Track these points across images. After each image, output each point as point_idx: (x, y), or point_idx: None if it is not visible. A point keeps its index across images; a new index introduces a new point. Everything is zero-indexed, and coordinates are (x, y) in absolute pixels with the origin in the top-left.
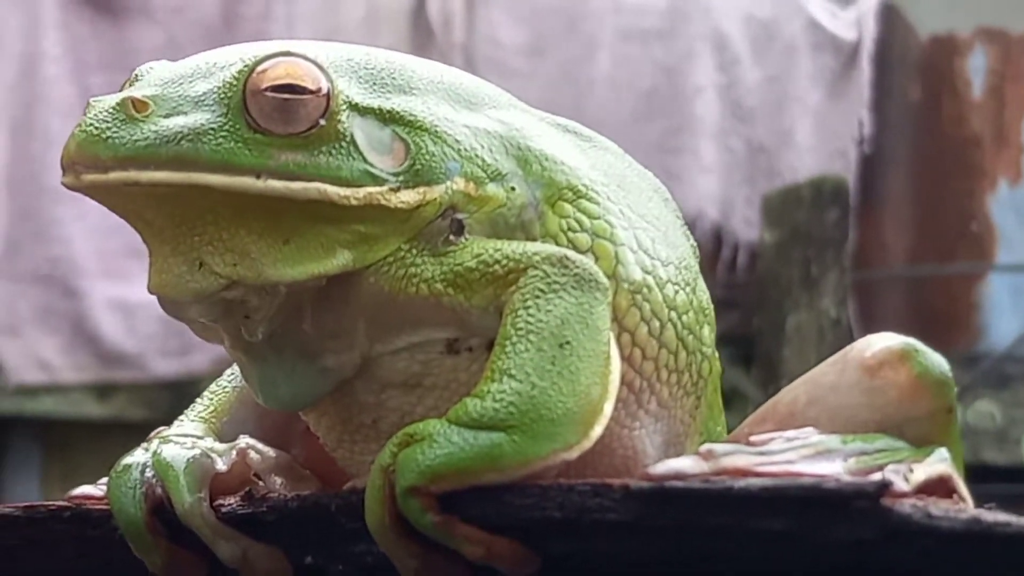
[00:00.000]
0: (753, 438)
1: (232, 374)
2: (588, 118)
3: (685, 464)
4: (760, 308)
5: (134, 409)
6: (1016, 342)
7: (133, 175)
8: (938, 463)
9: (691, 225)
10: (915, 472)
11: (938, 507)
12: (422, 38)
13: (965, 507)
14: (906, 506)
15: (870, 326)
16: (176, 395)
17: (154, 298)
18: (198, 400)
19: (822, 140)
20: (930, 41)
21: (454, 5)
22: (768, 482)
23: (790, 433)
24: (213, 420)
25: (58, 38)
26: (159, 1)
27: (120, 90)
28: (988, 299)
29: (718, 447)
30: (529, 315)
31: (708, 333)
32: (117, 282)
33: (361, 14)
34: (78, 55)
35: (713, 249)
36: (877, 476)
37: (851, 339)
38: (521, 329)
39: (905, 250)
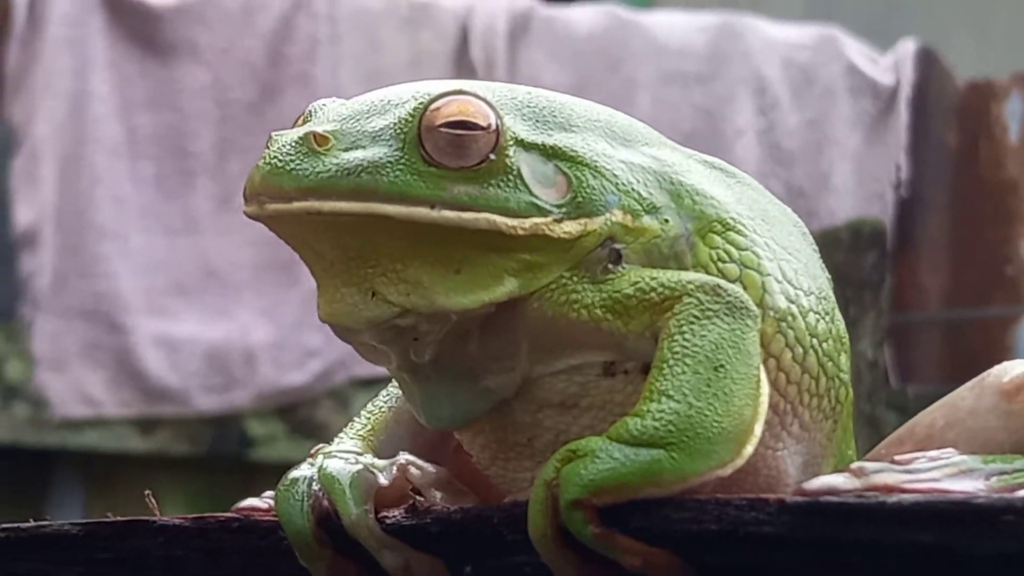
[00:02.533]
0: (898, 457)
1: (387, 395)
2: None
3: (838, 480)
4: None
5: (177, 444)
6: None
7: (316, 205)
8: None
9: None
10: None
11: None
12: (465, 79)
13: None
14: None
15: (906, 368)
16: (218, 430)
17: (197, 334)
18: (355, 419)
19: (860, 184)
20: (967, 87)
21: (497, 47)
22: (919, 498)
23: (933, 453)
24: (371, 438)
25: (106, 77)
26: (206, 41)
27: (293, 126)
28: (1023, 342)
29: (868, 465)
30: (685, 340)
31: (845, 360)
32: (161, 318)
33: (405, 55)
34: (125, 94)
35: None
36: (1022, 493)
37: (887, 381)
38: (678, 353)
39: (941, 293)
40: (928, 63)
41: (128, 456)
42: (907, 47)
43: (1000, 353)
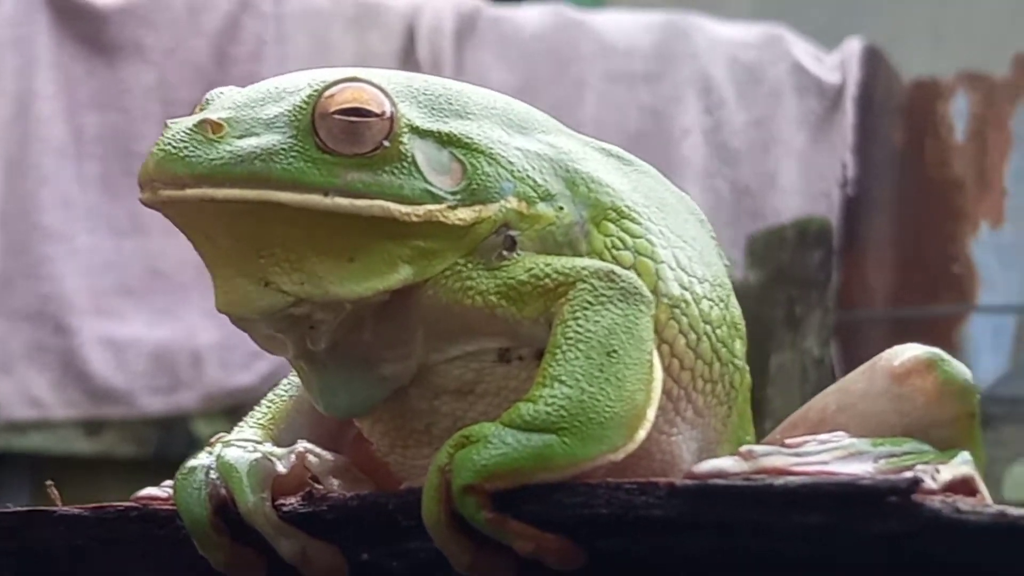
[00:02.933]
0: (788, 441)
1: (288, 384)
2: None
3: (727, 463)
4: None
5: (123, 445)
6: (997, 382)
7: (209, 192)
8: (962, 465)
9: None
10: (941, 472)
11: (965, 503)
12: None
13: (989, 503)
14: (936, 502)
15: (853, 366)
16: (165, 432)
17: (143, 335)
18: (256, 408)
19: (806, 182)
20: (913, 85)
21: (443, 47)
22: (807, 480)
23: (823, 436)
24: (271, 427)
25: (51, 77)
26: (152, 42)
27: (191, 113)
28: (970, 340)
29: (757, 448)
30: (578, 325)
31: (740, 347)
32: (108, 319)
33: (352, 55)
34: (71, 95)
35: None
36: (908, 475)
37: (833, 379)
38: (571, 338)
39: (888, 291)
40: (874, 62)
41: (74, 458)
42: (853, 46)
43: (947, 350)
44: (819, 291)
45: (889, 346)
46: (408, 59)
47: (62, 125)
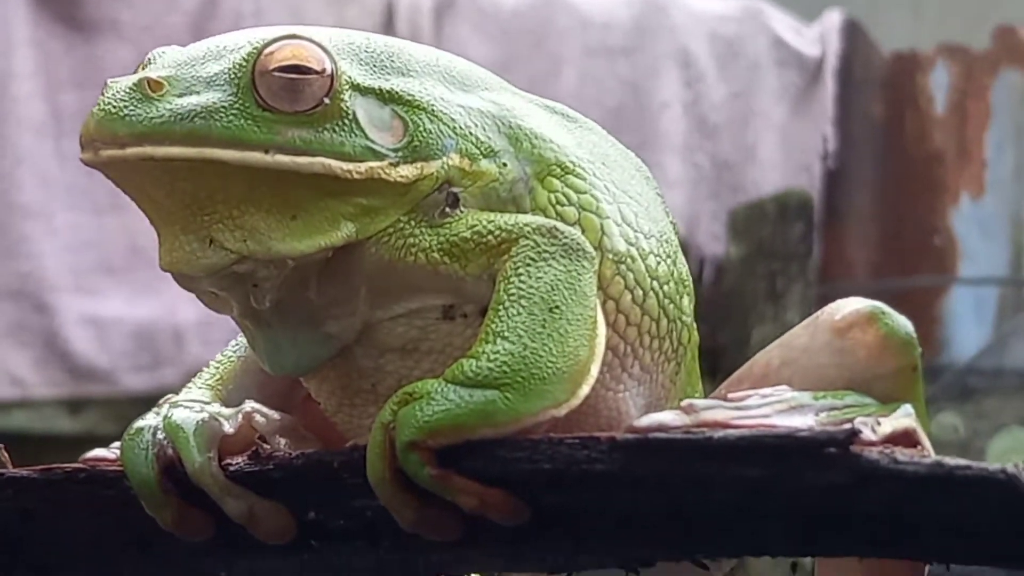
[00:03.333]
0: (731, 395)
1: (236, 344)
2: None
3: (668, 417)
4: (726, 321)
5: (106, 424)
6: (979, 355)
7: (149, 150)
8: (903, 417)
9: None
10: (882, 424)
11: (904, 454)
12: None
13: (928, 454)
14: (874, 453)
15: None
16: (147, 409)
17: (125, 313)
18: (204, 369)
19: (787, 156)
20: (893, 58)
21: (422, 22)
22: (746, 432)
23: (765, 391)
24: (219, 387)
25: (29, 55)
26: (129, 19)
27: (135, 72)
28: (951, 312)
29: (698, 402)
30: (521, 281)
31: (687, 303)
32: (88, 297)
33: None
34: (49, 73)
35: None
36: (847, 426)
37: None
38: (513, 295)
39: (869, 264)
40: (853, 34)
41: (57, 437)
42: (832, 19)
43: (928, 323)
44: (800, 264)
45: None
46: (387, 34)
47: (40, 103)
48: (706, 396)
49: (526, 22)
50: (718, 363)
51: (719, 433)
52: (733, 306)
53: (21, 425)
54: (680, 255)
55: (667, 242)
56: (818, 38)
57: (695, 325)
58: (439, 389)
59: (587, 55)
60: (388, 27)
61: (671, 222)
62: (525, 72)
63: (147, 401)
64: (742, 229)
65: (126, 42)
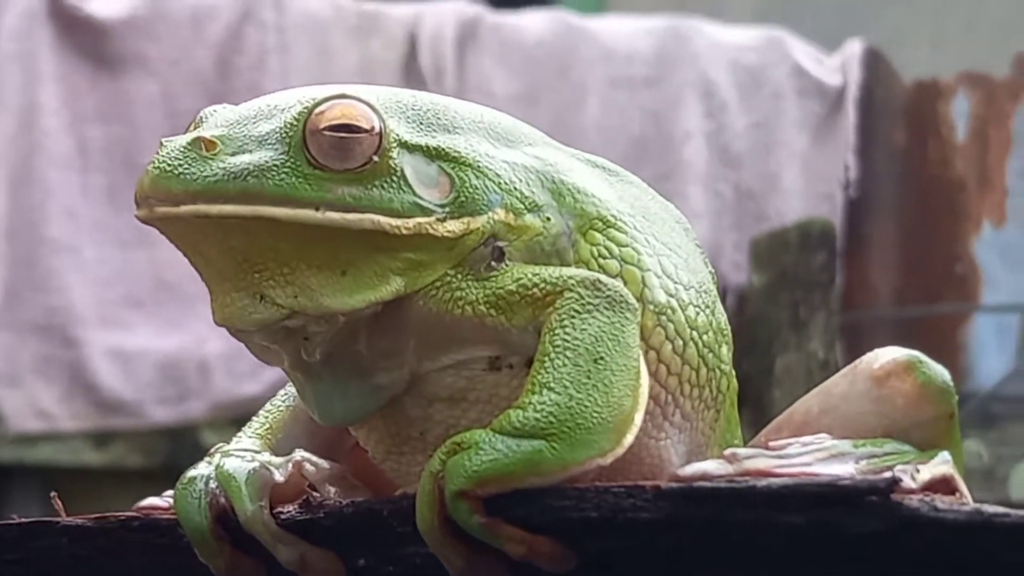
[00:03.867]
0: (772, 443)
1: (285, 394)
2: None
3: (711, 466)
4: (749, 350)
5: (132, 456)
6: (1002, 381)
7: (203, 208)
8: (941, 464)
9: None
10: (921, 472)
11: (943, 502)
12: (414, 87)
13: (967, 502)
14: (914, 501)
15: None
16: (173, 442)
17: (151, 346)
18: (254, 419)
19: (809, 184)
20: (914, 86)
21: (445, 54)
22: (788, 481)
23: (806, 439)
24: (269, 436)
25: (55, 91)
26: (155, 53)
27: (185, 132)
28: (974, 339)
29: (741, 451)
30: (566, 333)
31: (726, 351)
32: (115, 331)
33: (354, 64)
34: (75, 107)
35: None
36: (887, 475)
37: None
38: (559, 346)
39: (892, 292)
40: (875, 63)
41: (84, 469)
42: (853, 48)
43: (951, 351)
44: (823, 293)
45: (895, 345)
46: (410, 67)
47: (66, 138)
48: (744, 441)
49: (549, 53)
50: (742, 391)
51: (762, 482)
52: (757, 335)
53: (48, 458)
54: (719, 305)
55: (706, 293)
56: (839, 67)
57: (734, 373)
58: (487, 439)
59: (610, 86)
60: (411, 59)
61: (710, 272)
62: (548, 103)
63: (173, 434)
64: (765, 258)
65: (152, 76)
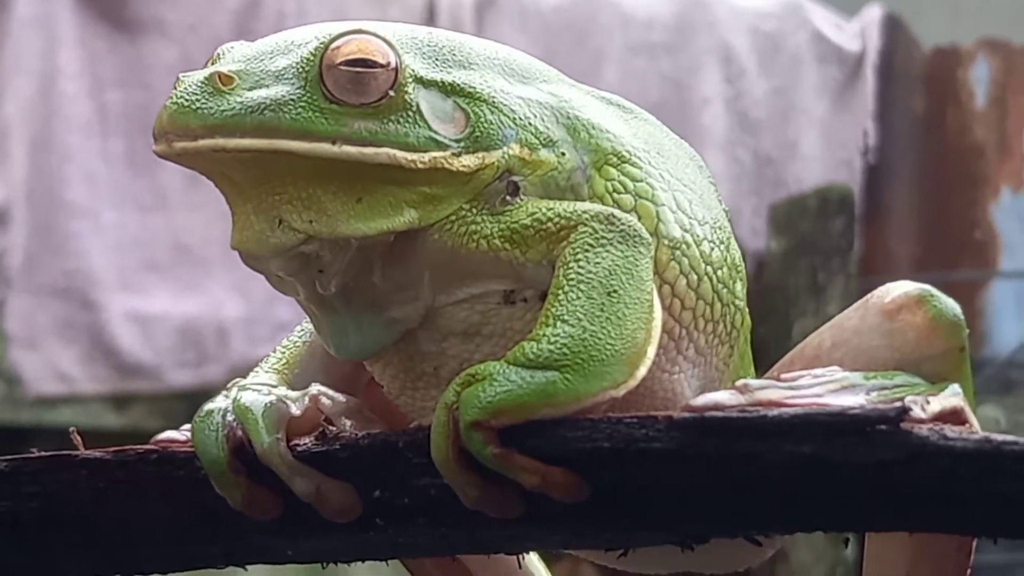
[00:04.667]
0: (784, 375)
1: (302, 330)
2: None
3: (723, 397)
4: (767, 316)
5: (151, 419)
6: (1020, 348)
7: (220, 142)
8: (952, 397)
9: None
10: (931, 403)
11: (953, 430)
12: None
13: (976, 431)
14: (924, 430)
15: None
16: (192, 405)
17: (170, 310)
18: (271, 354)
19: (828, 150)
20: (933, 52)
21: (464, 20)
22: (799, 411)
23: (817, 371)
24: (285, 371)
25: (75, 55)
26: (174, 18)
27: (204, 67)
28: (992, 306)
29: (753, 382)
30: (579, 267)
31: (740, 288)
32: (134, 295)
33: None
34: (95, 72)
35: None
36: (897, 404)
37: None
38: (572, 279)
39: (910, 258)
40: (894, 29)
41: (103, 432)
42: (872, 14)
43: (970, 317)
44: (841, 258)
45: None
46: None
47: (86, 102)
48: (758, 378)
49: (567, 19)
50: (760, 357)
51: (773, 412)
52: (775, 300)
53: (68, 421)
54: (733, 241)
55: (720, 229)
56: (858, 33)
57: (747, 309)
58: (501, 371)
59: (629, 52)
60: (429, 25)
61: (724, 210)
62: (567, 69)
63: (192, 397)
64: (783, 224)
65: (170, 41)
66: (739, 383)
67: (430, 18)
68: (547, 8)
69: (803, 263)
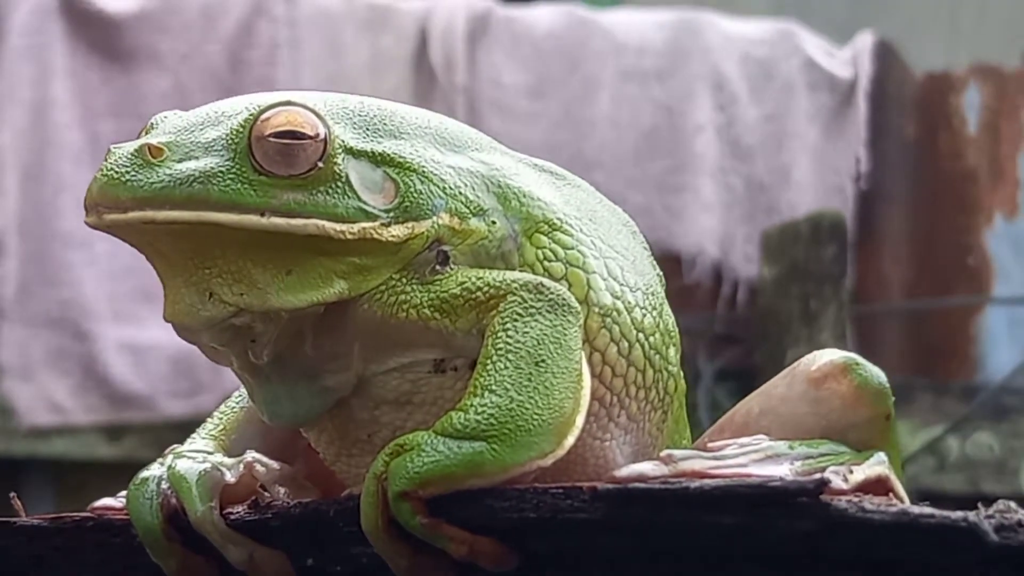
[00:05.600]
0: (711, 444)
1: (240, 395)
2: (589, 158)
3: (647, 468)
4: (760, 343)
5: (145, 449)
6: (1013, 373)
7: (150, 215)
8: (876, 465)
9: (691, 262)
10: (855, 473)
11: (872, 503)
12: (425, 82)
13: (896, 502)
14: (843, 502)
15: (869, 359)
16: (186, 435)
17: (164, 340)
18: (208, 420)
19: (820, 177)
20: (925, 79)
21: (456, 48)
22: (720, 482)
23: (743, 440)
24: (222, 437)
25: (67, 85)
26: (167, 48)
27: (137, 137)
28: (986, 331)
29: (677, 452)
30: (508, 336)
31: (674, 354)
32: (127, 324)
33: (365, 59)
34: (87, 102)
35: (713, 285)
36: (818, 476)
37: None
38: (501, 349)
39: (903, 284)
40: (886, 56)
41: (97, 463)
42: (864, 40)
43: (963, 343)
44: (834, 285)
45: (906, 339)
46: (421, 61)
47: (79, 132)
48: (693, 441)
49: (560, 45)
50: (754, 383)
51: (695, 483)
52: (767, 327)
53: (62, 452)
54: (666, 307)
55: (653, 295)
56: (850, 60)
57: (682, 375)
58: (429, 441)
59: (621, 78)
60: (422, 53)
61: (658, 275)
62: (559, 96)
63: (186, 427)
64: (776, 250)
65: (164, 71)
66: (663, 454)
67: (422, 45)
68: (540, 34)
69: (795, 290)
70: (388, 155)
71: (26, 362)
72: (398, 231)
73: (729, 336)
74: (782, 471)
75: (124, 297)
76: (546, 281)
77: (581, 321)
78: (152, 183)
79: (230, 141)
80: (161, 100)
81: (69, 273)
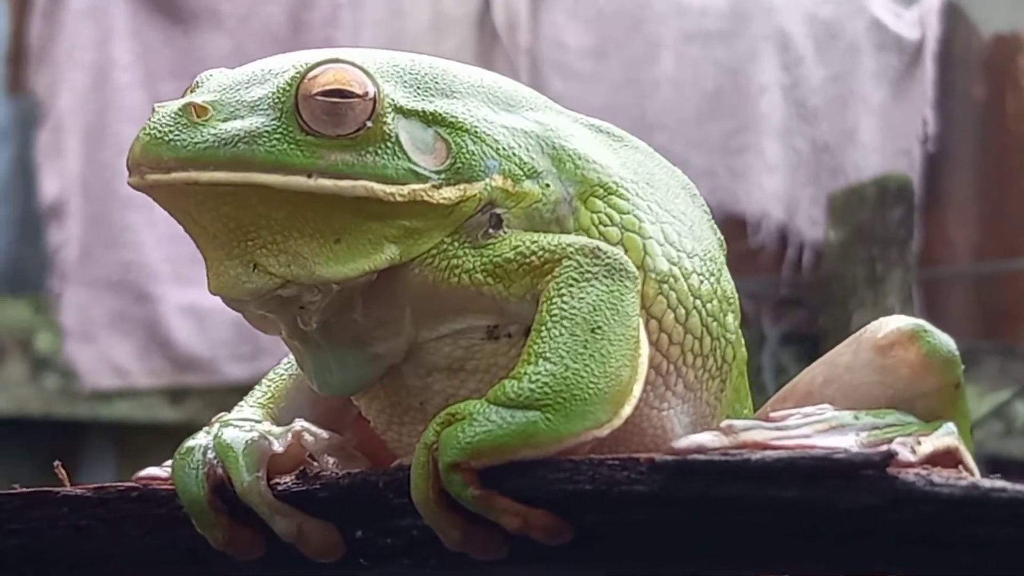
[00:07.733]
0: (772, 415)
1: (289, 363)
2: (652, 119)
3: (706, 439)
4: (826, 307)
5: (206, 413)
6: None
7: (193, 175)
8: (945, 436)
9: (756, 225)
10: (922, 444)
11: (940, 475)
12: (487, 42)
13: (965, 475)
14: (910, 475)
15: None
16: None
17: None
18: (256, 387)
19: (886, 139)
20: (993, 39)
21: (519, 9)
22: (783, 454)
23: (807, 409)
24: (271, 406)
25: (129, 47)
26: (228, 9)
27: (183, 96)
28: None
29: (738, 423)
30: (563, 302)
31: (732, 320)
32: (188, 287)
33: (427, 19)
34: (149, 63)
35: (779, 248)
36: (884, 448)
37: None
38: (556, 315)
39: (970, 247)
40: (953, 17)
41: (159, 426)
42: (932, 1)
43: None
44: (900, 248)
45: (972, 302)
46: (483, 22)
47: (140, 94)
48: (755, 410)
49: (622, 7)
50: (819, 348)
51: (756, 455)
52: (833, 291)
53: (124, 415)
54: (725, 272)
55: (711, 260)
56: (917, 20)
57: (743, 342)
58: (482, 410)
59: (684, 40)
60: (485, 14)
61: (718, 239)
62: (622, 57)
63: (246, 391)
64: (841, 213)
65: (224, 33)
66: (724, 424)
67: (485, 7)
68: None
69: (861, 253)
70: (439, 114)
71: (88, 325)
72: (450, 193)
73: (794, 300)
74: (847, 442)
75: (185, 260)
76: (603, 245)
77: (639, 287)
78: (196, 143)
79: (276, 100)
80: (221, 62)
81: (131, 235)
